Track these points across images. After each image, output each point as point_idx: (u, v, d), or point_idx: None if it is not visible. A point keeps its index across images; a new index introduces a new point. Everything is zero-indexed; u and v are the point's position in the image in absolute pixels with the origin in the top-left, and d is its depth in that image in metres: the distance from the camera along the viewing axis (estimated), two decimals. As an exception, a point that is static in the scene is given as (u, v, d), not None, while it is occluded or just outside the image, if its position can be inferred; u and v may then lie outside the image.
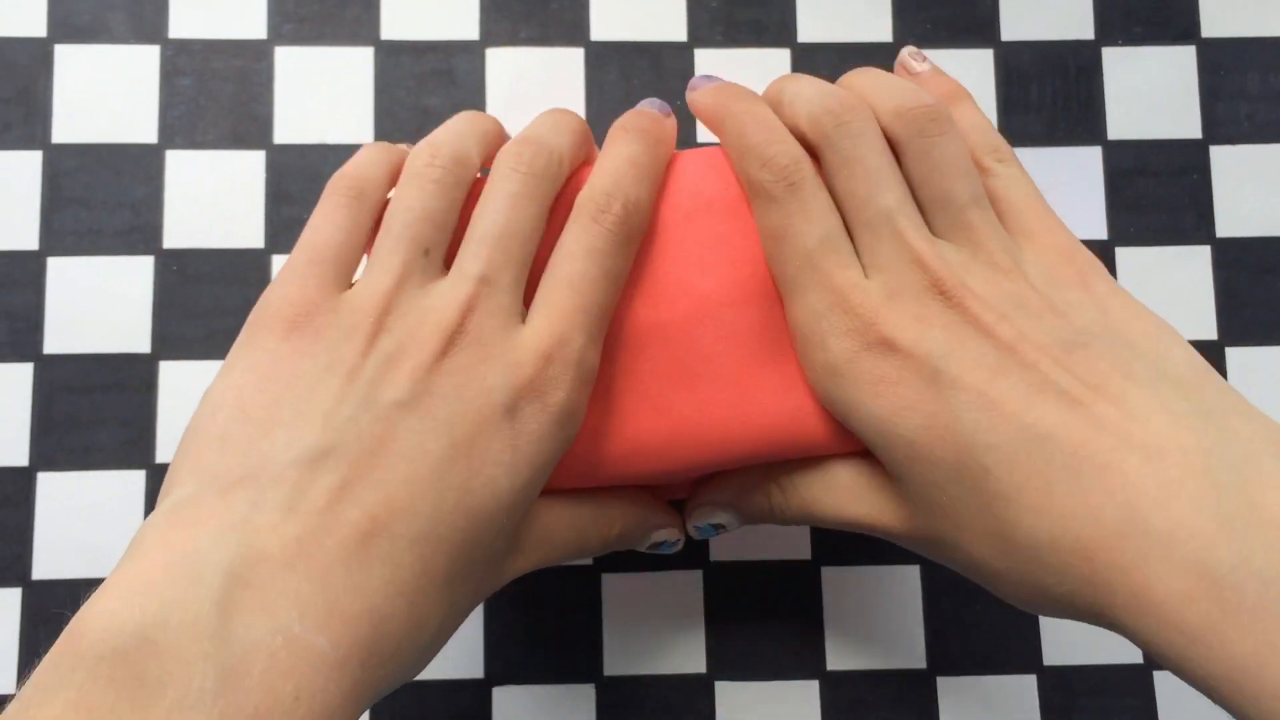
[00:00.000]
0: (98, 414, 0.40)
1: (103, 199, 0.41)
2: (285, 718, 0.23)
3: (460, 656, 0.39)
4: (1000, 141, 0.34)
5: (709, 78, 0.36)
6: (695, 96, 0.35)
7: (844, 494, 0.33)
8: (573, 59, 0.43)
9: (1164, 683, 0.40)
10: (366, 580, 0.26)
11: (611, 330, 0.33)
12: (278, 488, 0.26)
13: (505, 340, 0.30)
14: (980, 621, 0.40)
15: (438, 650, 0.29)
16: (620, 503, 0.35)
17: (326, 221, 0.31)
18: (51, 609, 0.39)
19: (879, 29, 0.43)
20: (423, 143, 0.32)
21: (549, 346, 0.30)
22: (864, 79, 0.34)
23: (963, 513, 0.29)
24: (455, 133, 0.32)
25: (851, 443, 0.33)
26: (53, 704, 0.22)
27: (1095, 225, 0.42)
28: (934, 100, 0.32)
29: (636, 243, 0.32)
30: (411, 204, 0.31)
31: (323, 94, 0.42)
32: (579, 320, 0.30)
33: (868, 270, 0.31)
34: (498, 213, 0.31)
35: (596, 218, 0.31)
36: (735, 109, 0.33)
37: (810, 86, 0.33)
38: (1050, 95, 0.43)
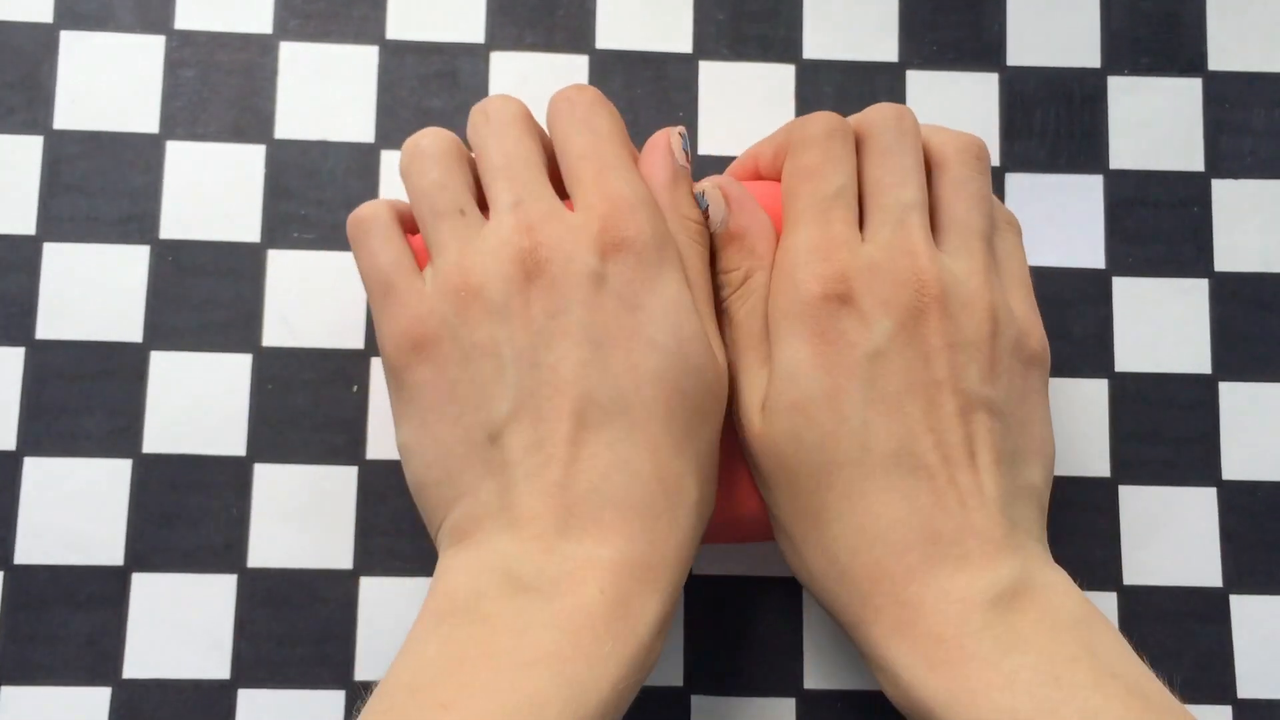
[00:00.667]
0: (87, 401, 0.40)
1: (101, 187, 0.41)
2: (595, 606, 0.28)
3: (437, 659, 0.39)
4: (1014, 217, 0.36)
5: None
6: None
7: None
8: (577, 66, 0.43)
9: None
10: (611, 483, 0.29)
11: None
12: (510, 470, 0.30)
13: (563, 224, 0.31)
14: (960, 647, 0.40)
15: (705, 513, 0.32)
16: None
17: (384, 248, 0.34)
18: (32, 594, 0.39)
19: (885, 49, 0.43)
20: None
21: (603, 209, 0.31)
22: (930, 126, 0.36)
23: (791, 515, 0.31)
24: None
25: None
26: (430, 643, 0.28)
27: (1093, 254, 0.42)
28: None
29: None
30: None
31: (326, 91, 0.42)
32: (599, 172, 0.32)
33: (865, 241, 0.32)
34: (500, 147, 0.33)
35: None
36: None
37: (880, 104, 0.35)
38: (1053, 122, 0.43)
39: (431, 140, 0.34)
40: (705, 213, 0.34)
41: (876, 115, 0.34)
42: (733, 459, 0.34)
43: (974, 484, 0.30)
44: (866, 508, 0.30)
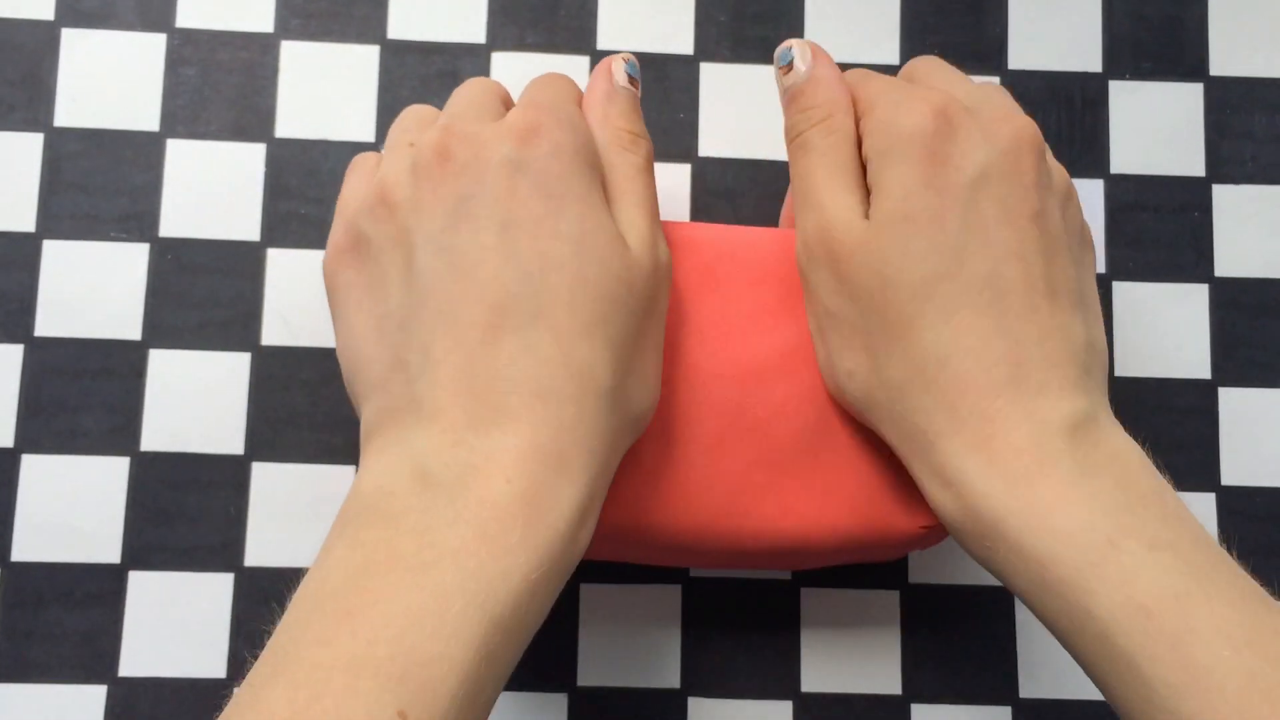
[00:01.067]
0: (85, 399, 0.40)
1: (101, 184, 0.41)
2: (501, 497, 0.28)
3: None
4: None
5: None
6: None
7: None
8: (578, 67, 0.43)
9: None
10: (517, 368, 0.29)
11: (666, 381, 0.35)
12: (417, 361, 0.30)
13: (481, 124, 0.32)
14: (957, 650, 0.40)
15: (623, 403, 0.31)
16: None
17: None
18: (29, 591, 0.39)
19: (887, 51, 0.43)
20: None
21: (524, 112, 0.32)
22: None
23: (879, 326, 0.32)
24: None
25: (920, 515, 0.35)
26: (336, 548, 0.28)
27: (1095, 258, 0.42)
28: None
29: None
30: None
31: (327, 90, 0.42)
32: (532, 95, 0.34)
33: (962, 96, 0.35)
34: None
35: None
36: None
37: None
38: (1055, 126, 0.43)
39: (412, 111, 0.35)
40: (790, 65, 0.36)
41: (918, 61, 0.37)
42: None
43: (1053, 322, 0.31)
44: (960, 321, 0.31)
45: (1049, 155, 0.35)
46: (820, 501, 0.35)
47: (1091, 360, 0.32)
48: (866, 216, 0.33)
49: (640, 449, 0.35)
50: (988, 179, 0.31)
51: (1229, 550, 0.29)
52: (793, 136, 0.35)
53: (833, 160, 0.34)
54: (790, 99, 0.36)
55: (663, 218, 0.42)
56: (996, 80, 0.43)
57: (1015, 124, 0.32)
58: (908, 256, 0.31)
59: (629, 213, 0.33)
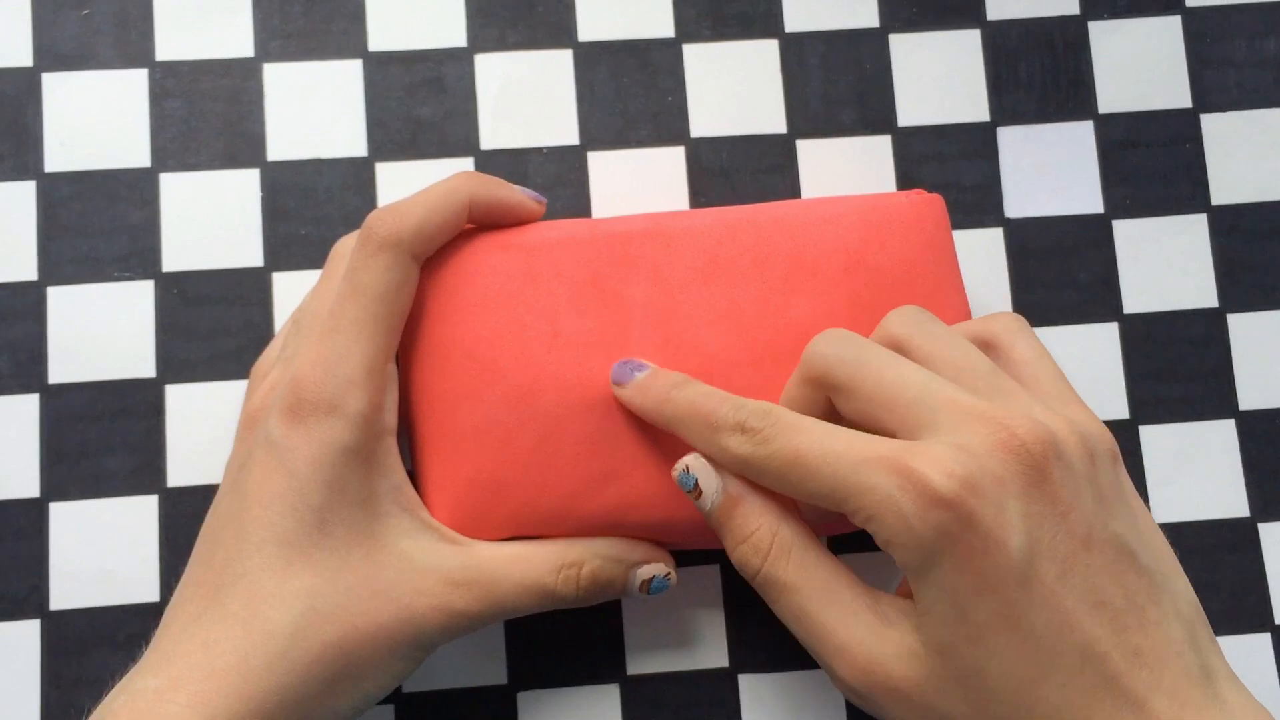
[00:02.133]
0: (106, 441, 0.40)
1: (99, 226, 0.41)
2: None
3: (483, 663, 0.39)
4: (1011, 316, 0.36)
5: (633, 367, 0.35)
6: (627, 394, 0.35)
7: (842, 607, 0.31)
8: (561, 61, 0.43)
9: None
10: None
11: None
12: None
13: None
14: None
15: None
16: (587, 541, 0.36)
17: None
18: (71, 639, 0.39)
19: (866, 15, 0.43)
20: None
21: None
22: None
23: (990, 662, 0.29)
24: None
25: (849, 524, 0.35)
26: None
27: (1090, 199, 0.43)
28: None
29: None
30: None
31: (314, 109, 0.42)
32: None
33: (930, 438, 0.30)
34: None
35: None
36: (681, 396, 0.34)
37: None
38: (1039, 72, 0.43)
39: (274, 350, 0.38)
40: (696, 488, 0.33)
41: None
42: None
43: (1151, 645, 0.28)
44: (1076, 711, 0.28)
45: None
46: None
47: (1198, 633, 0.30)
48: (907, 634, 0.30)
49: (665, 445, 0.35)
50: (1033, 539, 0.28)
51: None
52: (752, 577, 0.32)
53: (817, 588, 0.31)
54: (720, 531, 0.33)
55: (660, 203, 0.42)
56: (977, 33, 0.43)
57: (1020, 441, 0.29)
58: (991, 676, 0.28)
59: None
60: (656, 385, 0.34)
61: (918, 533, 0.28)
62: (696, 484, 0.33)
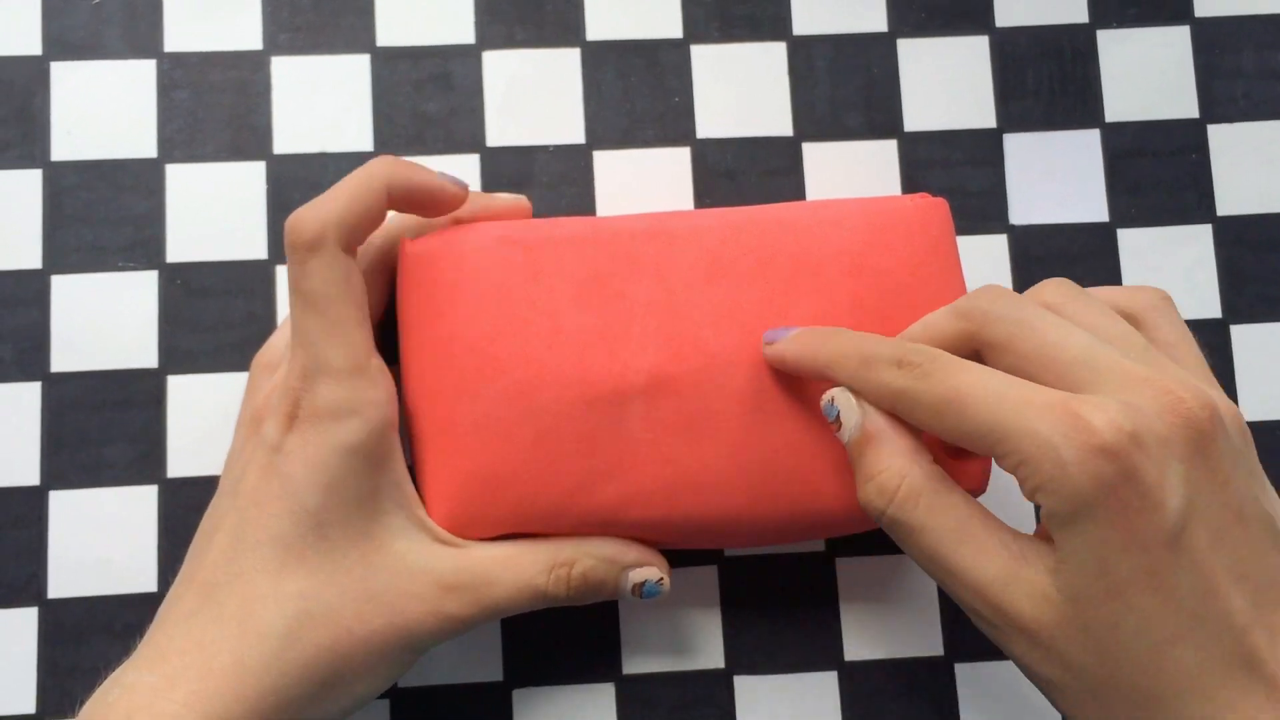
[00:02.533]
0: (107, 431, 0.40)
1: (104, 215, 0.41)
2: None
3: (479, 660, 0.39)
4: (1154, 291, 0.35)
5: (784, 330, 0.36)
6: (781, 349, 0.35)
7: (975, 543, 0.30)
8: (569, 60, 0.43)
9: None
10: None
11: (625, 379, 0.35)
12: None
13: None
14: (996, 607, 0.40)
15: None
16: (581, 541, 0.36)
17: None
18: (68, 627, 0.39)
19: (874, 19, 0.43)
20: None
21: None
22: None
23: (1112, 694, 0.28)
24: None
25: (851, 525, 0.36)
26: None
27: (1096, 208, 0.43)
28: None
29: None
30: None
31: (321, 103, 0.42)
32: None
33: (1099, 394, 0.30)
34: None
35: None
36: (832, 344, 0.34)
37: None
38: (1047, 80, 0.43)
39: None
40: (837, 419, 0.33)
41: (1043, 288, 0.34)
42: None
43: None
44: (1213, 682, 0.28)
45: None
46: (853, 476, 0.35)
47: None
48: (1041, 575, 0.29)
49: (665, 443, 0.35)
50: (1190, 504, 0.28)
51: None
52: (876, 516, 0.32)
53: (949, 530, 0.30)
54: (854, 466, 0.33)
55: (665, 203, 0.42)
56: (985, 40, 0.43)
57: (1188, 406, 0.28)
58: (1124, 631, 0.28)
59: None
60: (811, 335, 0.34)
61: (1074, 480, 0.28)
62: (838, 415, 0.33)
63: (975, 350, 0.32)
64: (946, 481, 0.31)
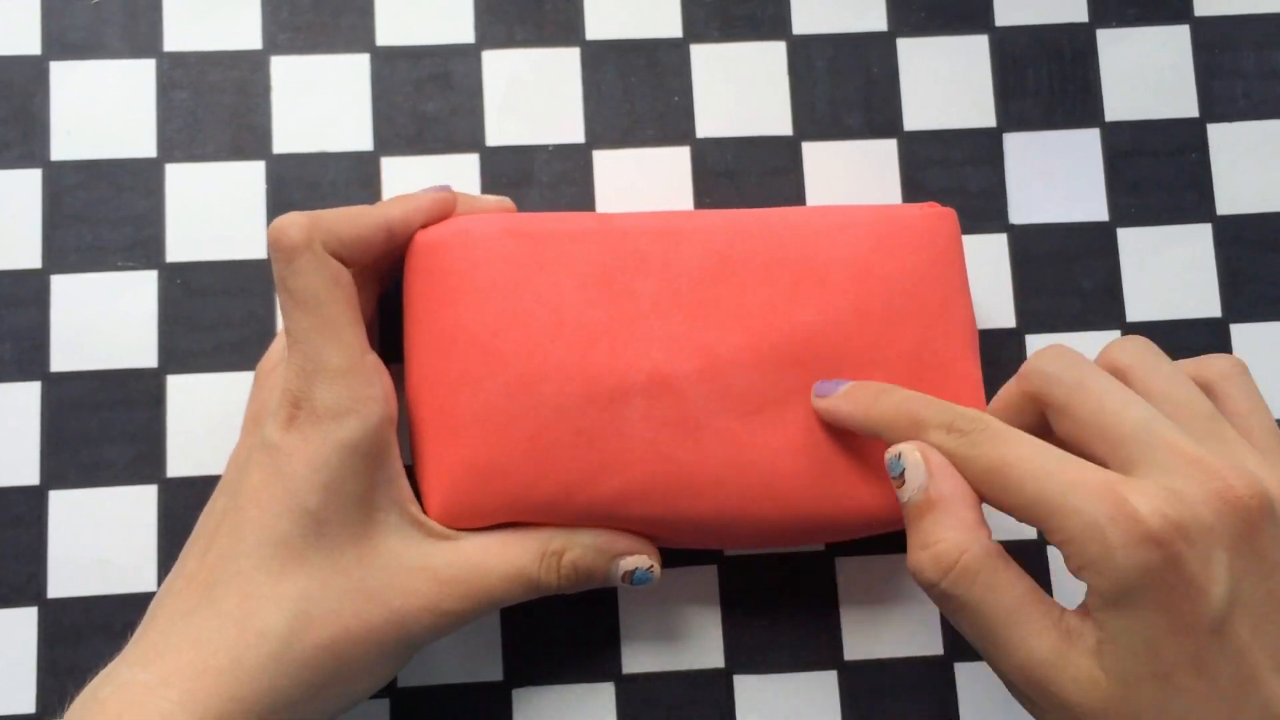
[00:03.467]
0: (107, 430, 0.40)
1: (104, 215, 0.41)
2: None
3: (479, 659, 0.39)
4: (1231, 360, 0.34)
5: (836, 384, 0.36)
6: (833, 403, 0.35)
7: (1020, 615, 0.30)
8: (569, 59, 0.43)
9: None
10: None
11: (627, 376, 0.35)
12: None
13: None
14: (996, 606, 0.40)
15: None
16: (572, 530, 0.36)
17: None
18: (67, 626, 0.39)
19: (874, 19, 0.43)
20: None
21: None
22: None
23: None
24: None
25: (850, 530, 0.36)
26: None
27: (1096, 207, 0.43)
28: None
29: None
30: None
31: (320, 102, 0.42)
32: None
33: (1143, 478, 0.30)
34: None
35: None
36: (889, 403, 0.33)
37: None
38: (1047, 79, 0.43)
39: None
40: (901, 476, 0.31)
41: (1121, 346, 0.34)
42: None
43: None
44: None
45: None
46: (851, 481, 0.35)
47: None
48: (1087, 657, 0.29)
49: (664, 441, 0.35)
50: (1234, 592, 0.28)
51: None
52: (927, 588, 0.31)
53: (1002, 609, 0.30)
54: (908, 528, 0.32)
55: (665, 203, 0.42)
56: (985, 39, 0.43)
57: (1236, 494, 0.28)
58: (1173, 716, 0.28)
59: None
60: (863, 391, 0.34)
61: (1120, 565, 0.28)
62: (903, 473, 0.31)
63: (1041, 413, 0.32)
64: (1004, 558, 0.31)
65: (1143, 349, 0.33)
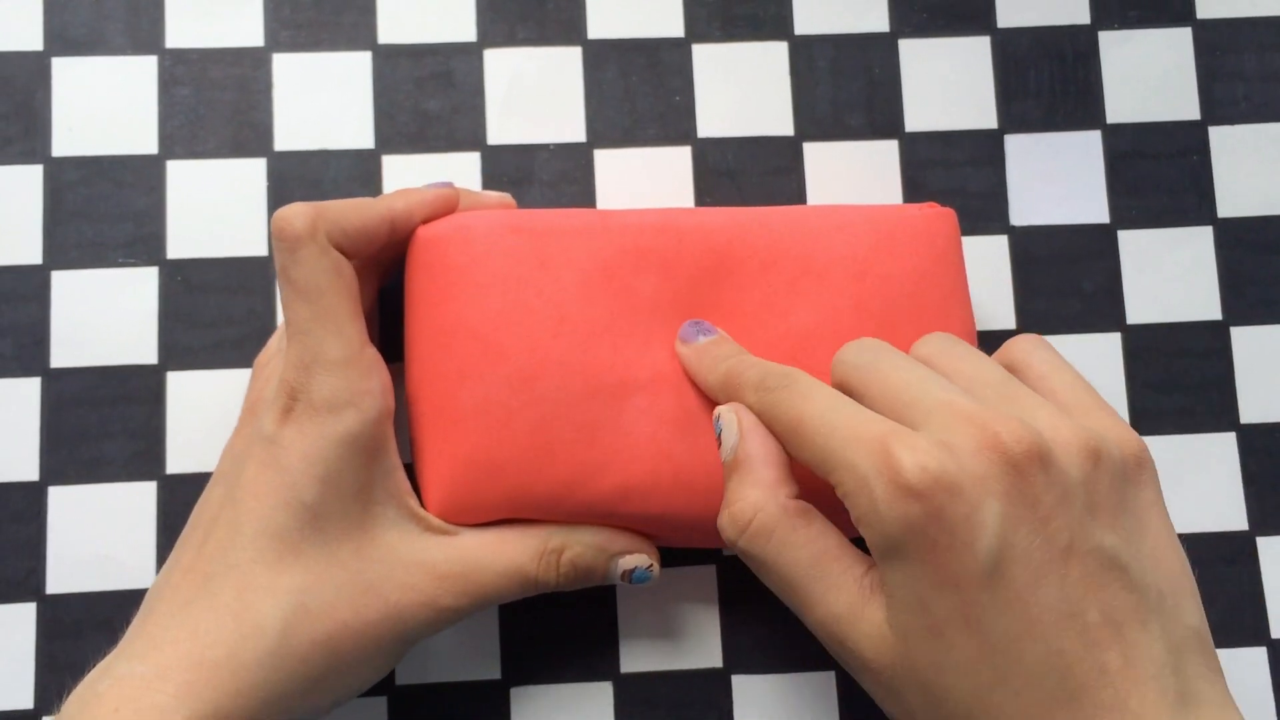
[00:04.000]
0: (106, 427, 0.40)
1: (105, 211, 0.41)
2: None
3: (477, 657, 0.39)
4: (1030, 338, 0.35)
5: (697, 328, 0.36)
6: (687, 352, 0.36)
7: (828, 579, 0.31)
8: (571, 58, 0.43)
9: None
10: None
11: (628, 372, 0.35)
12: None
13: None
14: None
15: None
16: (571, 528, 0.36)
17: None
18: (66, 622, 0.39)
19: (875, 19, 0.43)
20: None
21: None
22: None
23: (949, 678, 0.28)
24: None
25: (848, 530, 0.35)
26: None
27: (1096, 209, 0.43)
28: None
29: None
30: None
31: (322, 100, 0.42)
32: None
33: (920, 428, 0.30)
34: None
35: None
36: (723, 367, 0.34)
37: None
38: (1048, 81, 0.43)
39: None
40: (719, 437, 0.33)
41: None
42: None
43: (1124, 663, 0.27)
44: None
45: (1046, 441, 0.30)
46: None
47: (1190, 660, 0.28)
48: (880, 611, 0.29)
49: (664, 438, 0.35)
50: (1004, 543, 0.27)
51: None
52: (729, 544, 0.32)
53: (800, 566, 0.30)
54: (725, 489, 0.33)
55: (666, 202, 0.42)
56: (987, 40, 0.43)
57: (1003, 443, 0.28)
58: (947, 673, 0.28)
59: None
60: (713, 351, 0.35)
61: (884, 518, 0.28)
62: (720, 433, 0.33)
63: None
64: (806, 515, 0.31)
65: (948, 342, 0.34)
